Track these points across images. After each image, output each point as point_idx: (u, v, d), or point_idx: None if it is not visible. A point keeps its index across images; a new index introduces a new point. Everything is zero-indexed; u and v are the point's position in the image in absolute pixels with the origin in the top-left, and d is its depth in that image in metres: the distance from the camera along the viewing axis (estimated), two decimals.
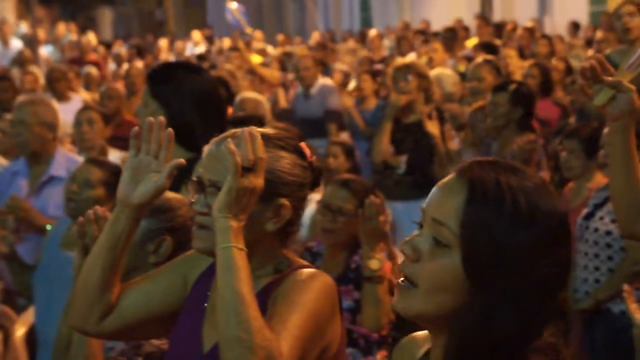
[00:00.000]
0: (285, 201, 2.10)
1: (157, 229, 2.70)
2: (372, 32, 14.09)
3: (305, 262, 2.19)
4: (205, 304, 2.16)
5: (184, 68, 3.61)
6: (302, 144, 2.18)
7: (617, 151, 2.46)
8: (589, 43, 10.51)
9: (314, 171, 2.18)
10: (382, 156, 6.54)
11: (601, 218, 4.42)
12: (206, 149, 2.14)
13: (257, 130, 2.06)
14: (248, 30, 13.53)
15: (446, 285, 1.50)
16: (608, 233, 4.38)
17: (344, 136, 8.04)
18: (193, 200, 2.13)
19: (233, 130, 2.12)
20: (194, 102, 3.33)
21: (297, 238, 4.21)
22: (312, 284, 2.06)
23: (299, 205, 2.14)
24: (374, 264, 3.74)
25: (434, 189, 1.56)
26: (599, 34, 8.13)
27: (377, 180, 6.70)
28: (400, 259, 4.64)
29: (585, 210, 4.56)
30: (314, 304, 2.02)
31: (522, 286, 1.47)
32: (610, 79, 2.41)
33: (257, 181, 1.99)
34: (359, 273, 3.85)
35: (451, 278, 1.49)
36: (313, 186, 2.20)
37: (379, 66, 11.18)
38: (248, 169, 1.97)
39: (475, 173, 1.52)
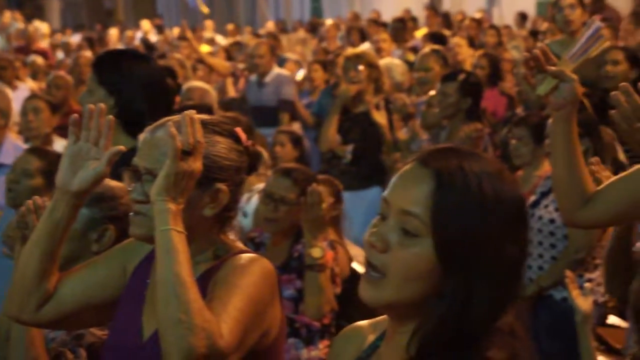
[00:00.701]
0: (222, 186, 2.10)
1: (99, 217, 2.67)
2: (328, 22, 14.05)
3: (244, 247, 2.19)
4: (145, 292, 2.15)
5: (131, 56, 3.57)
6: (238, 129, 2.18)
7: (559, 140, 2.48)
8: (535, 34, 10.59)
9: (251, 155, 2.18)
10: (329, 145, 6.55)
11: (546, 206, 4.47)
12: (141, 137, 2.13)
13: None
14: (205, 9, 13.44)
15: (418, 273, 1.51)
16: (552, 221, 4.43)
17: (296, 126, 8.02)
18: (130, 189, 2.13)
19: (167, 118, 2.11)
20: (144, 91, 3.30)
21: (243, 229, 4.22)
22: (252, 268, 2.07)
23: (236, 189, 2.15)
24: (316, 252, 3.75)
25: (395, 179, 1.56)
26: (544, 25, 8.21)
27: (324, 170, 6.72)
28: (353, 248, 4.66)
29: (531, 198, 4.60)
30: (253, 287, 2.03)
31: (494, 269, 1.50)
32: (553, 68, 2.43)
33: (196, 165, 1.99)
34: (302, 262, 3.85)
35: (423, 266, 1.50)
36: (250, 171, 2.20)
37: (330, 56, 11.18)
38: (187, 153, 1.97)
39: (439, 161, 1.53)
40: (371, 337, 1.67)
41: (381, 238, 1.52)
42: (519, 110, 6.63)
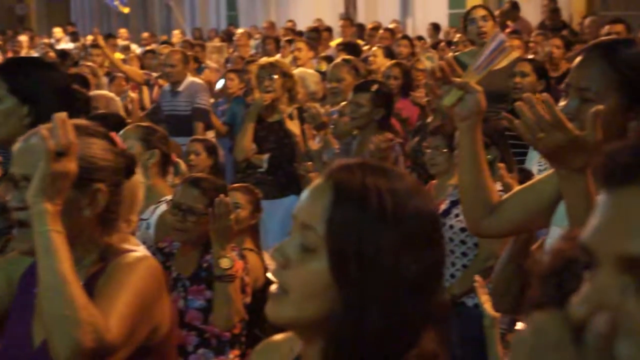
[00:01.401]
0: (100, 186, 2.13)
1: (2, 228, 2.65)
2: (239, 31, 14.02)
3: (130, 247, 2.20)
4: (34, 301, 2.15)
5: (40, 63, 3.50)
6: (112, 133, 2.23)
7: (464, 150, 2.52)
8: (448, 44, 10.74)
9: (127, 158, 2.22)
10: (245, 154, 6.55)
11: (457, 215, 4.52)
12: (15, 146, 2.16)
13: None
14: (125, 10, 13.29)
15: (316, 290, 1.47)
16: (462, 230, 4.50)
17: (210, 135, 7.98)
18: (8, 198, 2.14)
19: (40, 126, 2.11)
20: (58, 98, 3.23)
21: (151, 240, 4.18)
22: (138, 266, 2.10)
23: (116, 190, 2.17)
24: (224, 262, 3.73)
25: (303, 193, 1.54)
26: (457, 36, 8.33)
27: (240, 179, 6.71)
28: (269, 257, 4.66)
29: (442, 207, 4.66)
30: (140, 283, 2.07)
31: (389, 287, 1.45)
32: (458, 80, 2.46)
33: (71, 165, 2.01)
34: (211, 272, 3.83)
35: (320, 283, 1.47)
36: (127, 174, 2.23)
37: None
38: (61, 154, 1.99)
39: (341, 175, 1.50)
40: (289, 354, 1.62)
41: (282, 253, 1.49)
42: (430, 120, 6.71)
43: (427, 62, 6.91)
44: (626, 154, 1.05)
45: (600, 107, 2.18)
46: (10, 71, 3.28)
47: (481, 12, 6.56)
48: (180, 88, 8.19)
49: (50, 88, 3.20)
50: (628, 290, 1.02)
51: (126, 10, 13.27)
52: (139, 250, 2.21)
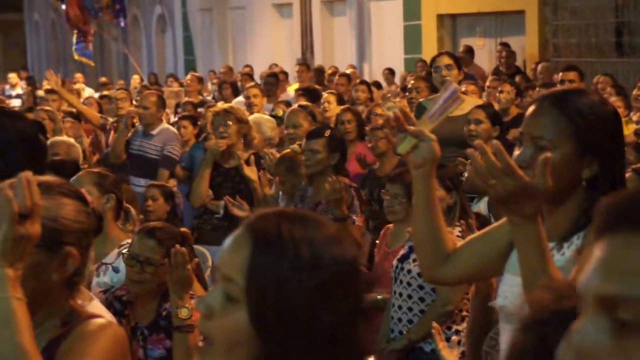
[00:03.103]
0: (71, 249, 2.05)
1: None
2: (188, 76, 13.99)
3: (93, 312, 2.15)
4: None
5: (7, 113, 3.43)
6: (82, 190, 2.16)
7: (419, 198, 2.53)
8: (403, 89, 10.84)
9: (97, 217, 2.16)
10: (201, 200, 6.54)
11: (415, 260, 4.54)
12: None
13: (38, 178, 2.00)
14: (91, 63, 13.26)
15: (238, 341, 1.48)
16: (420, 275, 4.51)
17: (172, 183, 7.93)
18: None
19: (9, 181, 2.04)
20: (27, 149, 3.16)
21: (112, 286, 4.14)
22: (102, 334, 2.03)
23: (85, 253, 2.10)
24: (183, 312, 3.70)
25: (224, 244, 1.54)
26: (411, 82, 8.40)
27: (196, 225, 6.69)
28: None
29: (401, 252, 4.68)
30: (104, 353, 2.00)
31: (307, 336, 1.46)
32: (412, 128, 2.48)
33: (34, 228, 1.91)
34: (170, 321, 3.79)
35: (242, 333, 1.47)
36: (96, 233, 2.17)
37: (201, 110, 11.16)
38: (24, 216, 1.90)
39: (258, 224, 1.51)
40: None
41: (205, 305, 1.50)
42: (376, 166, 6.76)
43: (388, 112, 6.98)
44: (616, 203, 1.11)
45: (549, 154, 2.21)
46: None
47: (446, 61, 6.65)
48: (154, 132, 8.12)
49: (18, 138, 3.14)
50: (605, 332, 1.06)
51: (92, 63, 13.27)
52: (102, 315, 2.15)
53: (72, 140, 6.83)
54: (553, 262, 2.22)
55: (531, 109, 2.46)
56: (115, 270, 4.18)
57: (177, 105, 12.31)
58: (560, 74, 8.78)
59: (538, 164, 2.16)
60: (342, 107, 8.04)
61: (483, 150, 2.16)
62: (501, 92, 8.66)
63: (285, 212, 1.55)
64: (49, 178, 2.12)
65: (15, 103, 14.96)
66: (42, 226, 1.96)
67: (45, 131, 6.81)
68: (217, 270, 1.53)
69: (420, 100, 6.96)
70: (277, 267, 1.47)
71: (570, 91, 2.51)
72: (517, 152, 2.42)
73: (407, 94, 7.93)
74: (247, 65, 17.17)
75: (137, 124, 8.25)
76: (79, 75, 18.83)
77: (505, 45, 13.23)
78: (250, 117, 7.23)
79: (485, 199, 5.19)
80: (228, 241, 1.54)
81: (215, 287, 1.52)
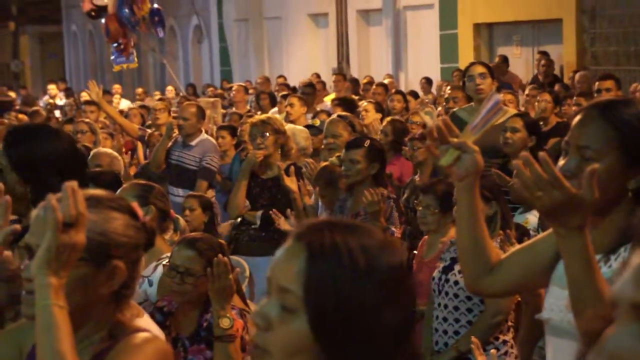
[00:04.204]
0: (119, 263, 2.05)
1: (14, 295, 2.61)
2: (235, 86, 14.04)
3: (140, 326, 2.15)
4: None
5: (41, 131, 3.44)
6: (134, 204, 2.16)
7: (463, 209, 2.51)
8: (434, 102, 10.84)
9: (148, 232, 2.15)
10: (238, 211, 6.56)
11: (460, 271, 4.51)
12: (33, 213, 2.08)
13: (88, 191, 2.03)
14: (134, 65, 13.33)
15: (298, 350, 1.51)
16: None
17: (211, 194, 7.98)
18: (22, 267, 2.07)
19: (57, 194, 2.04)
20: (58, 167, 3.16)
21: (149, 297, 4.16)
22: (146, 348, 2.03)
23: (134, 267, 2.10)
24: (224, 322, 3.71)
25: (276, 255, 1.56)
26: (448, 91, 8.38)
27: (234, 236, 6.70)
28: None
29: (443, 264, 4.65)
30: None
31: (369, 339, 1.50)
32: (455, 140, 2.46)
33: (78, 237, 1.93)
34: (211, 332, 3.80)
35: (302, 342, 1.50)
36: (147, 247, 2.17)
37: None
38: (69, 225, 1.91)
39: (311, 235, 1.54)
40: None
41: (262, 316, 1.53)
42: (417, 177, 6.77)
43: (426, 117, 6.98)
44: None
45: (596, 165, 2.19)
46: (11, 140, 3.22)
47: (479, 70, 6.62)
48: (193, 142, 8.17)
49: (51, 162, 3.15)
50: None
51: (135, 64, 13.28)
52: (150, 329, 2.15)
53: (115, 152, 6.86)
54: (600, 273, 2.20)
55: (577, 118, 2.44)
56: (150, 283, 4.19)
57: (225, 116, 12.34)
58: (597, 82, 8.72)
59: (585, 175, 2.13)
60: (388, 118, 8.04)
61: (529, 162, 2.14)
62: (540, 101, 8.61)
63: (334, 221, 1.59)
64: (98, 192, 2.13)
65: (56, 114, 15.08)
66: (90, 240, 1.98)
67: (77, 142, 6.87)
68: (270, 282, 1.55)
69: (455, 109, 6.94)
70: (335, 275, 1.50)
71: (618, 101, 2.48)
72: (562, 162, 2.41)
73: (444, 104, 7.91)
74: (280, 76, 17.22)
75: (176, 135, 8.31)
76: (117, 87, 18.99)
77: (544, 53, 13.16)
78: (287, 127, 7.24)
79: (535, 212, 5.15)
80: (280, 253, 1.56)
81: (270, 298, 1.54)
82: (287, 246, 1.56)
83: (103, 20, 12.49)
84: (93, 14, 12.33)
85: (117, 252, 2.06)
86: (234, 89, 13.46)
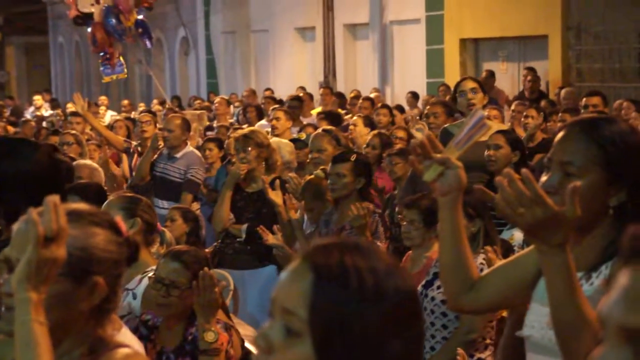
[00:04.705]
0: (99, 279, 2.04)
1: None
2: (217, 98, 14.04)
3: (121, 342, 2.13)
4: None
5: (19, 146, 3.41)
6: (118, 219, 2.15)
7: (445, 226, 2.51)
8: (421, 116, 10.86)
9: (131, 247, 2.14)
10: (223, 224, 6.55)
11: (439, 287, 4.51)
12: (15, 226, 2.06)
13: (69, 205, 2.02)
14: (123, 75, 13.29)
15: None
16: (444, 302, 4.48)
17: (196, 207, 7.96)
18: (1, 281, 2.05)
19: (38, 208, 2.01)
20: (31, 185, 3.13)
21: (133, 310, 4.14)
22: None
23: (115, 282, 2.09)
24: (209, 336, 3.70)
25: (282, 276, 1.52)
26: (427, 106, 8.37)
27: (218, 248, 6.69)
28: (242, 330, 4.63)
29: (425, 279, 4.65)
30: None
31: None
32: (438, 155, 2.47)
33: (59, 251, 1.91)
34: (196, 345, 3.79)
35: None
36: (130, 262, 2.16)
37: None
38: (50, 240, 1.90)
39: (319, 256, 1.49)
40: None
41: (265, 339, 1.48)
42: (395, 192, 6.77)
43: (417, 134, 6.98)
44: None
45: (579, 183, 2.19)
46: None
47: (470, 85, 6.62)
48: (178, 154, 8.16)
49: (37, 169, 3.13)
50: None
51: (125, 75, 13.23)
52: (131, 344, 2.14)
53: (95, 164, 6.85)
54: (582, 292, 2.20)
55: (561, 134, 2.45)
56: (134, 296, 4.17)
57: (207, 129, 12.30)
58: (584, 99, 8.75)
59: (567, 193, 2.14)
60: (374, 132, 8.06)
61: (511, 179, 2.14)
62: (527, 117, 8.63)
63: (344, 242, 1.53)
64: (80, 205, 2.11)
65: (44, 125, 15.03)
66: (70, 255, 1.96)
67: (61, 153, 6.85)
68: (274, 304, 1.51)
69: (446, 125, 6.95)
70: (342, 298, 1.45)
71: (601, 118, 2.49)
72: (544, 178, 2.41)
73: (424, 119, 7.93)
74: (267, 89, 17.22)
75: (162, 147, 8.29)
76: (103, 98, 18.94)
77: (530, 69, 13.21)
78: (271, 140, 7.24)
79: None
80: (285, 274, 1.52)
81: (273, 320, 1.50)
82: (293, 267, 1.51)
83: (89, 29, 12.46)
84: (79, 21, 12.27)
85: (97, 267, 2.04)
86: (216, 101, 13.45)
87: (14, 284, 1.90)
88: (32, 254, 1.89)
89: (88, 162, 6.98)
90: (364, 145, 7.83)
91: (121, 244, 2.11)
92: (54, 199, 1.92)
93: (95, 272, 2.04)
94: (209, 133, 11.74)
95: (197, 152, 8.53)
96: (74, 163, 6.60)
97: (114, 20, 12.21)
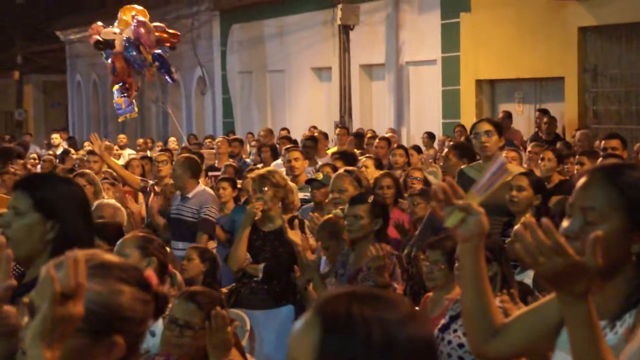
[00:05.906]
0: (119, 338, 1.97)
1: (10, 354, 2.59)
2: (218, 139, 13.96)
3: None
4: None
5: (61, 179, 3.44)
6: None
7: (467, 272, 2.50)
8: (434, 158, 10.87)
9: (159, 300, 2.08)
10: (239, 264, 6.55)
11: (455, 330, 4.49)
12: (43, 270, 1.95)
13: (100, 256, 1.98)
14: (133, 115, 13.36)
15: None
16: (460, 346, 4.45)
17: (212, 245, 7.96)
18: (24, 324, 2.01)
19: (58, 259, 1.96)
20: (81, 213, 3.16)
21: (150, 350, 4.14)
22: None
23: (136, 340, 2.02)
24: None
25: (295, 326, 1.53)
26: (445, 149, 8.37)
27: (234, 288, 6.68)
28: None
29: (442, 322, 4.62)
30: None
31: None
32: (460, 202, 2.46)
33: (76, 309, 1.84)
34: None
35: None
36: (157, 315, 2.10)
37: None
38: (67, 296, 1.83)
39: (327, 307, 1.49)
40: None
41: None
42: (416, 232, 6.75)
43: (430, 177, 6.98)
44: None
45: (600, 232, 2.17)
46: (34, 186, 3.17)
47: (485, 127, 6.60)
48: (190, 194, 8.20)
49: (73, 203, 3.15)
50: None
51: (135, 114, 13.26)
52: None
53: (118, 204, 6.86)
54: (605, 342, 2.18)
55: (582, 180, 2.44)
56: (152, 333, 4.17)
57: (209, 169, 12.19)
58: (603, 141, 8.72)
59: (588, 242, 2.12)
60: (382, 172, 8.06)
61: (532, 228, 2.13)
62: (543, 159, 8.63)
63: (356, 292, 1.52)
64: (110, 258, 2.04)
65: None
66: (91, 312, 1.92)
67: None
68: (288, 355, 1.51)
69: (462, 167, 6.95)
70: (348, 349, 1.45)
71: (623, 165, 2.49)
72: (565, 224, 2.40)
73: (442, 163, 7.94)
74: (284, 128, 17.26)
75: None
76: (122, 137, 19.02)
77: (544, 111, 13.21)
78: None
79: (531, 272, 5.12)
80: (298, 324, 1.52)
81: None
82: (305, 318, 1.52)
83: (109, 60, 12.55)
84: (100, 45, 12.36)
85: (119, 326, 1.98)
86: (217, 141, 13.44)
87: (28, 341, 1.84)
88: (48, 311, 1.82)
89: (112, 201, 7.00)
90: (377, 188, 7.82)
91: (147, 302, 2.04)
92: (74, 254, 1.85)
93: (115, 330, 1.98)
94: (210, 173, 11.73)
95: (209, 190, 8.54)
96: (97, 202, 6.62)
97: (134, 52, 12.31)
